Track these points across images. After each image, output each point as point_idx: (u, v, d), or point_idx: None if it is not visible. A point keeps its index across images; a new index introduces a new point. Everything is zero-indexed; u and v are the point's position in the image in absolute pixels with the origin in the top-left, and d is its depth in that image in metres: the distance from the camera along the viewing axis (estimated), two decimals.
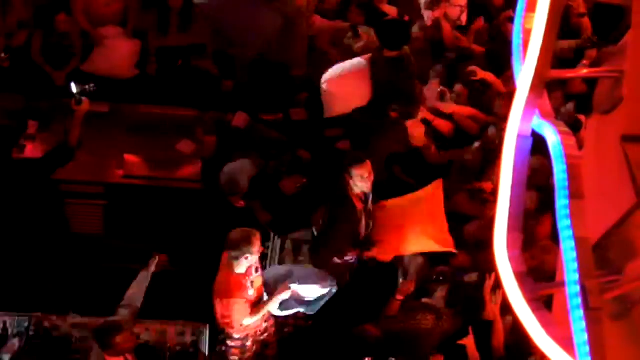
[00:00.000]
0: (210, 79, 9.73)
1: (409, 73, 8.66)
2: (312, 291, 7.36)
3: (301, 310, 7.44)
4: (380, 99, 8.58)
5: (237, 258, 6.93)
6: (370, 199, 7.70)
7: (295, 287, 7.25)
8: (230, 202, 7.92)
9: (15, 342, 7.18)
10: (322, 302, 7.43)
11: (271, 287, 7.28)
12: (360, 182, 7.50)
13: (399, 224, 7.67)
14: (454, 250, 7.58)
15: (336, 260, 7.65)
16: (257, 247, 6.95)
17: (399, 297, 7.33)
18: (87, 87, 7.70)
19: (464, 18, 10.06)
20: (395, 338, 7.09)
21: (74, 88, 7.66)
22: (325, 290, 7.39)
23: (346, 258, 7.67)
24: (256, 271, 7.16)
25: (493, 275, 7.01)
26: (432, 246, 7.55)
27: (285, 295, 7.19)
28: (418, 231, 7.59)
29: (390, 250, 7.69)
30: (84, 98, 7.64)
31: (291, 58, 9.82)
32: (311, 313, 7.48)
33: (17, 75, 9.47)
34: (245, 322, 7.09)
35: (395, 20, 9.40)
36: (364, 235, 7.67)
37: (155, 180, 8.76)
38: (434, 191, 7.72)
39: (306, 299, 7.37)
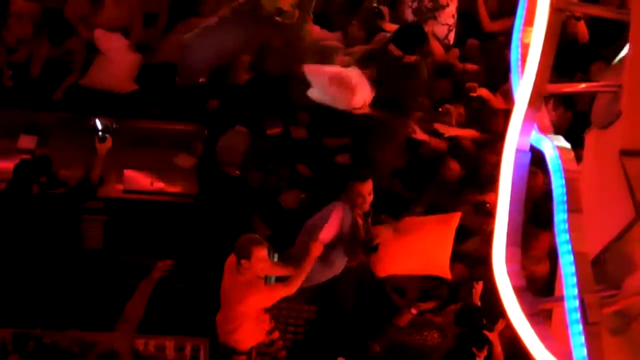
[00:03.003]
0: (209, 93, 9.74)
1: (420, 81, 8.67)
2: (329, 230, 7.31)
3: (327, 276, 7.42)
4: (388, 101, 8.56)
5: (246, 254, 6.91)
6: (370, 217, 7.71)
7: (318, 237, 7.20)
8: (227, 172, 7.99)
9: (14, 359, 7.17)
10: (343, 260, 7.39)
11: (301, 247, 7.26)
12: (360, 199, 7.51)
13: (409, 239, 7.65)
14: (449, 277, 7.55)
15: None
16: (264, 250, 6.92)
17: (414, 311, 7.33)
18: (110, 124, 7.70)
19: (451, 37, 10.03)
20: (399, 349, 7.10)
21: (98, 125, 7.65)
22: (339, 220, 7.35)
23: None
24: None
25: (481, 283, 7.05)
26: (428, 270, 7.53)
27: (318, 251, 7.16)
28: (422, 252, 7.55)
29: (387, 263, 7.64)
30: (107, 135, 7.63)
31: (294, 57, 9.77)
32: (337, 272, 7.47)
33: (16, 90, 9.49)
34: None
35: (410, 25, 9.37)
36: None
37: (154, 194, 8.76)
38: (451, 220, 7.67)
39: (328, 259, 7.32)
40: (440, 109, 9.01)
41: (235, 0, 9.61)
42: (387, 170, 8.79)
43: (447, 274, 7.50)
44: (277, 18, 9.54)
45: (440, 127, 8.75)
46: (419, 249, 7.54)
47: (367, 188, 7.55)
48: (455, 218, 7.63)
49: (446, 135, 8.72)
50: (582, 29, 9.51)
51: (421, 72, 8.79)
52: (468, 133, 8.82)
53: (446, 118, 8.78)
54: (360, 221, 7.63)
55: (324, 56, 9.67)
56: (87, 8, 9.68)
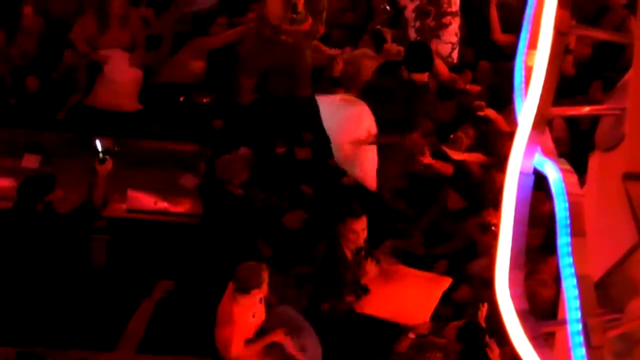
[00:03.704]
0: (212, 113, 9.77)
1: (429, 100, 8.68)
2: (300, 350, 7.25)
3: None
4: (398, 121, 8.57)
5: (244, 291, 6.91)
6: (363, 252, 7.66)
7: (288, 339, 7.14)
8: (230, 192, 7.96)
9: None
10: None
11: (271, 324, 7.21)
12: (352, 235, 7.48)
13: (397, 286, 7.64)
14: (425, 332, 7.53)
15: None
16: (264, 282, 6.94)
17: (412, 335, 7.31)
18: (111, 147, 7.73)
19: (454, 55, 10.04)
20: None
21: (98, 146, 7.68)
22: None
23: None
24: (260, 301, 7.13)
25: (486, 305, 7.03)
26: (406, 320, 7.48)
27: (277, 338, 7.11)
28: (405, 303, 7.54)
29: (369, 302, 7.59)
30: (107, 157, 7.65)
31: (297, 80, 9.81)
32: None
33: (21, 110, 9.52)
34: (241, 354, 7.05)
35: (413, 43, 9.36)
36: (348, 284, 7.60)
37: (158, 214, 8.77)
38: (442, 282, 7.68)
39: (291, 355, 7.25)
40: (451, 136, 9.00)
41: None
42: (389, 190, 8.80)
43: (424, 329, 7.49)
44: (292, 16, 9.54)
45: (449, 152, 8.75)
46: (403, 299, 7.54)
47: (361, 224, 7.51)
48: (446, 282, 7.64)
49: (455, 159, 8.72)
50: (568, 60, 9.47)
51: (430, 91, 8.79)
52: (475, 158, 8.81)
53: (456, 145, 8.78)
54: (350, 256, 7.60)
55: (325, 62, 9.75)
56: (93, 29, 9.73)
